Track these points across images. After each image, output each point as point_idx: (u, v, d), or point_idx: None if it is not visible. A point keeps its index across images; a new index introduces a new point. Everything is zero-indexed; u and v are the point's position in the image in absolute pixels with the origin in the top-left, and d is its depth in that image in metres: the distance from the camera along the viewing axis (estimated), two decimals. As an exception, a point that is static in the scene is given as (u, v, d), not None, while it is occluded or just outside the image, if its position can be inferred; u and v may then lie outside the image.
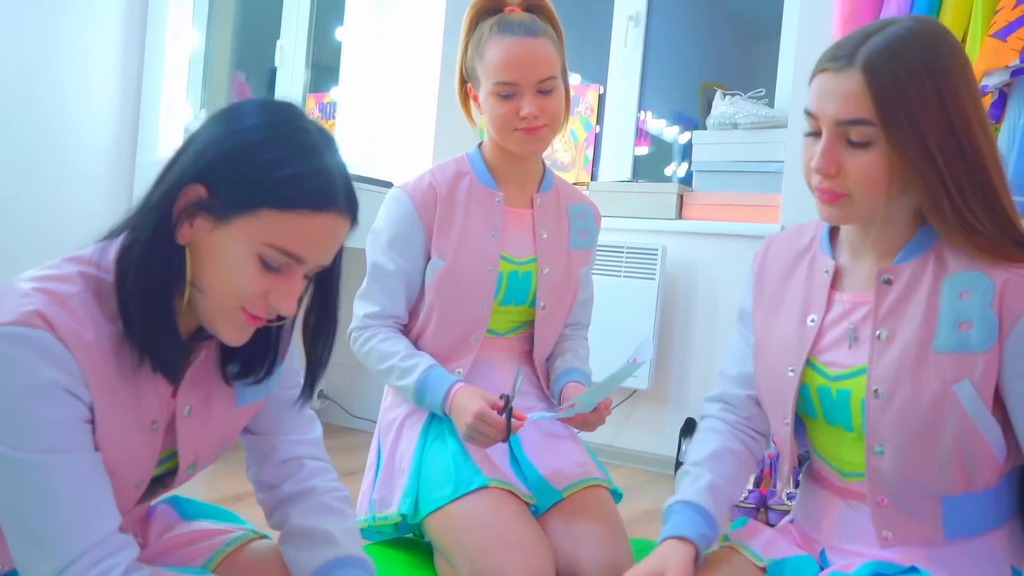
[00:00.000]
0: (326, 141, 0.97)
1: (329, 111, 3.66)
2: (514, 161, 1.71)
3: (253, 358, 1.08)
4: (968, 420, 1.08)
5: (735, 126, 3.04)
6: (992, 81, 2.18)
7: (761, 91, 3.08)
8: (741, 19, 3.92)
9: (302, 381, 1.13)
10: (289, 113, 0.97)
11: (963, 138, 1.04)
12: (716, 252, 2.99)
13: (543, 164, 1.79)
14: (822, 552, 1.23)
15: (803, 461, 1.34)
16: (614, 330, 2.81)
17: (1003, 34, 2.17)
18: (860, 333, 1.15)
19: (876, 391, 1.11)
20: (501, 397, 1.54)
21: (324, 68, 3.76)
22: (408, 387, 1.63)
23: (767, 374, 1.25)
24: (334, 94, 3.58)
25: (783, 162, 2.91)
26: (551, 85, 1.62)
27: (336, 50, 3.55)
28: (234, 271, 0.93)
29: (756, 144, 3.00)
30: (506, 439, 1.54)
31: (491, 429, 1.52)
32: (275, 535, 1.20)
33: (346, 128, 3.43)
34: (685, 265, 3.01)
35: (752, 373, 1.31)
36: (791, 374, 1.20)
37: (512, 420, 1.52)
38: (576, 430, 1.73)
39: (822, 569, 1.21)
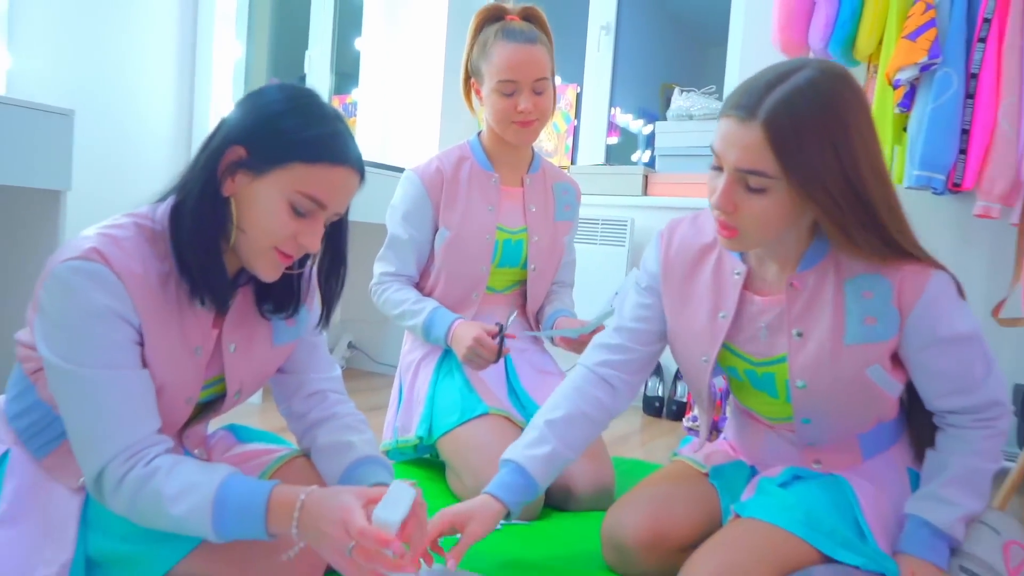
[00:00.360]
0: (337, 114, 1.00)
1: (351, 110, 3.63)
2: (508, 148, 1.72)
3: (284, 298, 1.10)
4: (879, 390, 1.09)
5: (691, 117, 3.04)
6: (904, 76, 2.18)
7: (712, 88, 3.07)
8: (694, 28, 3.90)
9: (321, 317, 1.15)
10: (306, 91, 1.00)
11: (856, 183, 0.98)
12: (675, 223, 2.99)
13: (532, 150, 1.79)
14: (753, 466, 1.26)
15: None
16: (590, 290, 2.82)
17: (914, 35, 2.16)
18: (773, 330, 1.11)
19: (799, 384, 1.10)
20: (495, 324, 1.57)
21: (345, 74, 3.73)
22: (417, 325, 1.66)
23: (682, 360, 1.22)
24: (355, 95, 3.55)
25: (731, 147, 2.91)
26: (544, 86, 1.64)
27: (355, 57, 3.52)
28: (270, 216, 0.95)
29: (708, 132, 2.99)
30: (497, 360, 1.56)
31: (486, 351, 1.54)
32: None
33: (365, 123, 3.41)
34: (650, 234, 3.02)
35: (649, 331, 1.24)
36: (704, 362, 1.17)
37: (503, 346, 1.55)
38: (563, 370, 1.75)
39: (753, 474, 1.24)
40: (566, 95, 3.45)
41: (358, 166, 0.99)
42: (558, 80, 3.59)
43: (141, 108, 2.79)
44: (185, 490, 0.88)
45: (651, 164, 3.25)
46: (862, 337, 1.06)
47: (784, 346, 1.11)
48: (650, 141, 3.79)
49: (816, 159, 0.96)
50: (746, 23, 2.86)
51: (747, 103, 0.98)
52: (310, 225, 0.97)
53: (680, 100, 3.06)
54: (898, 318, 1.06)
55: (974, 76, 2.17)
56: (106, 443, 0.89)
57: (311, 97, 0.98)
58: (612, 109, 3.49)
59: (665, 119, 3.12)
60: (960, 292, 1.09)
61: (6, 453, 1.01)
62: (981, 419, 1.10)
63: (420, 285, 1.75)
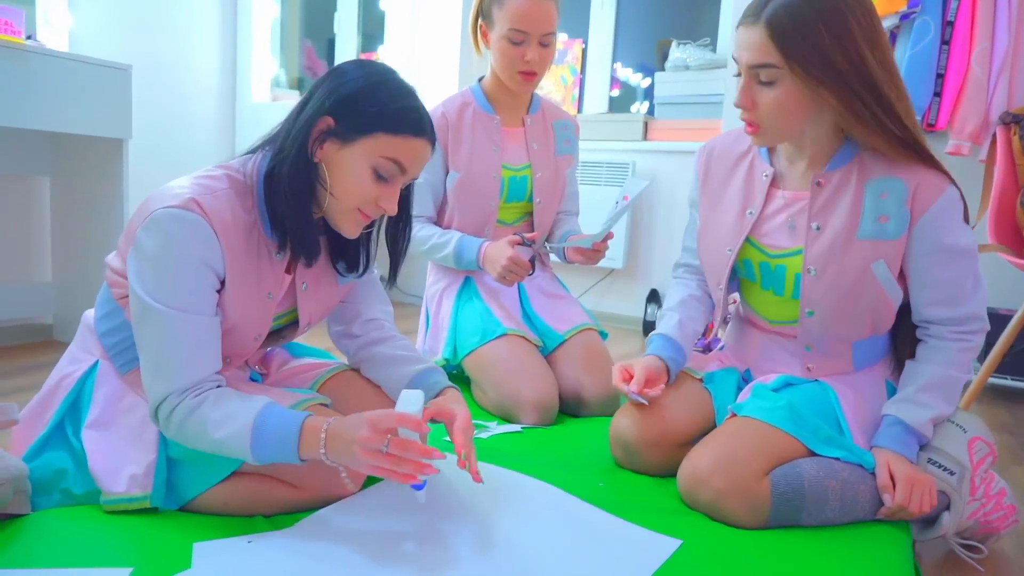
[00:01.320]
0: (412, 89, 0.98)
1: (377, 67, 3.54)
2: (509, 92, 1.67)
3: (355, 257, 1.09)
4: (880, 289, 1.09)
5: (687, 68, 2.95)
6: (886, 24, 2.09)
7: (707, 40, 2.96)
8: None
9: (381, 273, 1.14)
10: (384, 68, 0.97)
11: (860, 68, 1.00)
12: (673, 164, 2.93)
13: (532, 92, 1.74)
14: (747, 371, 1.26)
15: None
16: (595, 227, 2.80)
17: (896, -14, 2.07)
18: (797, 223, 1.13)
19: (810, 270, 1.11)
20: (518, 235, 1.56)
21: (371, 34, 3.62)
22: (448, 255, 1.64)
23: (708, 252, 1.23)
24: (380, 52, 3.46)
25: (723, 95, 2.83)
26: (551, 40, 1.58)
27: (380, 17, 3.42)
28: (356, 180, 0.94)
29: (703, 81, 2.91)
30: (532, 272, 1.54)
31: (520, 268, 1.53)
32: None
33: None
34: (650, 175, 2.97)
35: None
36: (728, 252, 1.18)
37: (536, 259, 1.52)
38: (571, 294, 1.74)
39: (745, 381, 1.24)
40: (573, 50, 3.34)
41: (432, 137, 0.97)
42: (565, 36, 3.50)
43: (191, 63, 2.73)
44: (227, 417, 0.88)
45: (650, 112, 3.17)
46: (873, 234, 1.07)
47: (802, 239, 1.12)
48: (648, 93, 3.68)
49: (816, 47, 0.99)
50: (739, -22, 2.74)
51: (754, 9, 1.04)
52: (389, 189, 0.96)
53: (677, 52, 2.96)
54: (908, 220, 1.06)
55: (950, 24, 2.08)
56: (170, 378, 0.90)
57: (390, 74, 0.97)
58: (614, 63, 3.39)
59: (663, 70, 3.03)
60: (966, 210, 1.09)
61: (95, 364, 1.02)
62: (960, 331, 1.09)
63: (437, 223, 1.72)
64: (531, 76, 1.60)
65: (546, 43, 1.58)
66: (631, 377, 1.17)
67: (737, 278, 1.24)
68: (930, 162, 1.07)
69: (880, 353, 1.17)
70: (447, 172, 1.66)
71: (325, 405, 1.06)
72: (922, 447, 1.09)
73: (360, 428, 0.85)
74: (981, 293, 1.09)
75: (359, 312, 1.17)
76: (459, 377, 1.78)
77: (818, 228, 1.11)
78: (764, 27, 1.01)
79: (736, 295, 1.28)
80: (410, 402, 0.91)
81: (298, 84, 3.54)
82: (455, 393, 1.07)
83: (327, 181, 0.95)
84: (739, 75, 1.07)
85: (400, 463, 0.85)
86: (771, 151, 1.19)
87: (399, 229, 1.07)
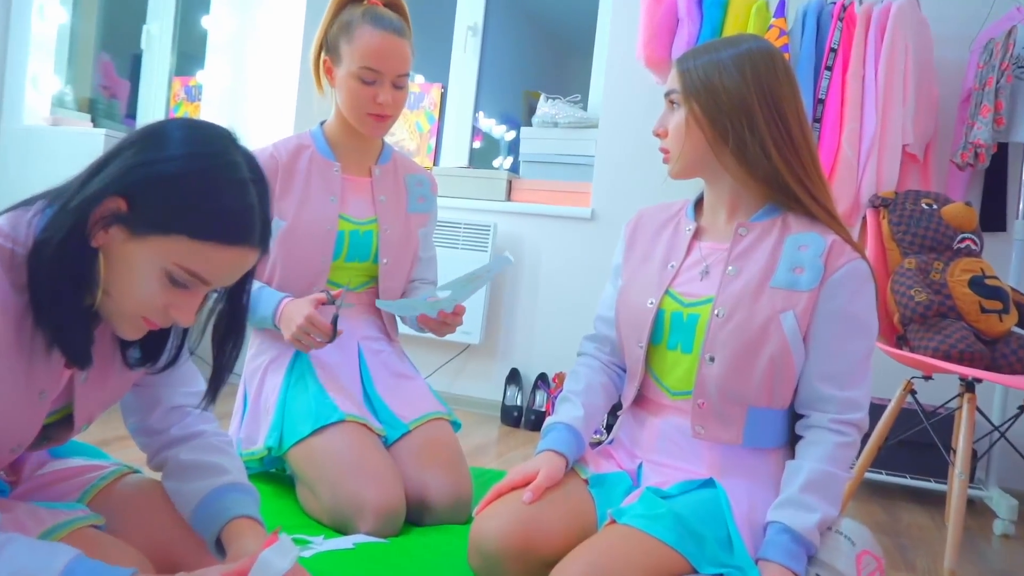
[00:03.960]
0: (253, 173, 0.87)
1: (194, 94, 3.40)
2: (356, 137, 1.67)
3: (155, 350, 0.98)
4: (785, 342, 1.17)
5: (555, 125, 3.08)
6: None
7: (577, 97, 3.13)
8: (560, 36, 3.97)
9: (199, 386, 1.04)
10: (220, 144, 0.86)
11: (742, 104, 1.18)
12: (538, 229, 3.02)
13: (382, 140, 1.74)
14: (639, 466, 1.27)
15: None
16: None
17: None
18: (712, 270, 1.24)
19: (719, 312, 1.20)
20: (323, 292, 1.53)
21: (189, 54, 3.49)
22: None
23: (629, 308, 1.30)
24: (199, 78, 3.33)
25: (594, 156, 2.98)
26: (404, 81, 1.61)
27: (201, 36, 3.30)
28: (140, 283, 0.84)
29: (572, 140, 3.05)
30: (332, 339, 1.50)
31: (317, 330, 1.48)
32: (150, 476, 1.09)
33: (210, 110, 3.20)
34: (513, 239, 3.03)
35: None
36: (650, 305, 1.26)
37: (337, 327, 1.49)
38: (422, 374, 1.69)
39: (635, 483, 1.25)
40: (430, 94, 3.40)
41: (260, 243, 0.88)
42: (421, 78, 3.57)
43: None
44: None
45: (514, 170, 3.27)
46: (787, 283, 1.18)
47: (715, 287, 1.22)
48: (512, 147, 3.82)
49: (708, 79, 1.19)
50: (612, 35, 2.94)
51: (678, 60, 1.25)
52: (186, 298, 0.86)
53: (546, 107, 3.09)
54: (821, 274, 1.18)
55: (821, 102, 2.33)
56: None
57: (221, 156, 0.85)
58: (476, 113, 3.48)
59: (530, 125, 3.15)
60: (877, 292, 1.23)
61: None
62: (841, 421, 1.17)
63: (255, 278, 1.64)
64: (383, 119, 1.61)
65: (400, 84, 1.61)
66: (524, 484, 1.17)
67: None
68: (845, 232, 1.23)
69: (773, 436, 1.23)
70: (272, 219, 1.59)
71: (97, 527, 0.93)
72: (810, 559, 1.13)
73: None
74: (867, 385, 1.19)
75: (158, 399, 1.06)
76: (280, 473, 1.67)
77: (734, 271, 1.21)
78: (677, 64, 1.24)
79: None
80: (269, 570, 0.79)
81: (89, 106, 3.31)
82: (251, 527, 0.96)
83: (101, 274, 0.84)
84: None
85: None
86: (698, 210, 1.32)
87: (231, 327, 0.95)
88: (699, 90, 1.20)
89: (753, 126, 1.17)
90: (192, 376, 1.10)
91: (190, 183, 0.83)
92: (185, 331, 1.00)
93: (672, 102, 1.24)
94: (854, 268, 1.18)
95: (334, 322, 1.49)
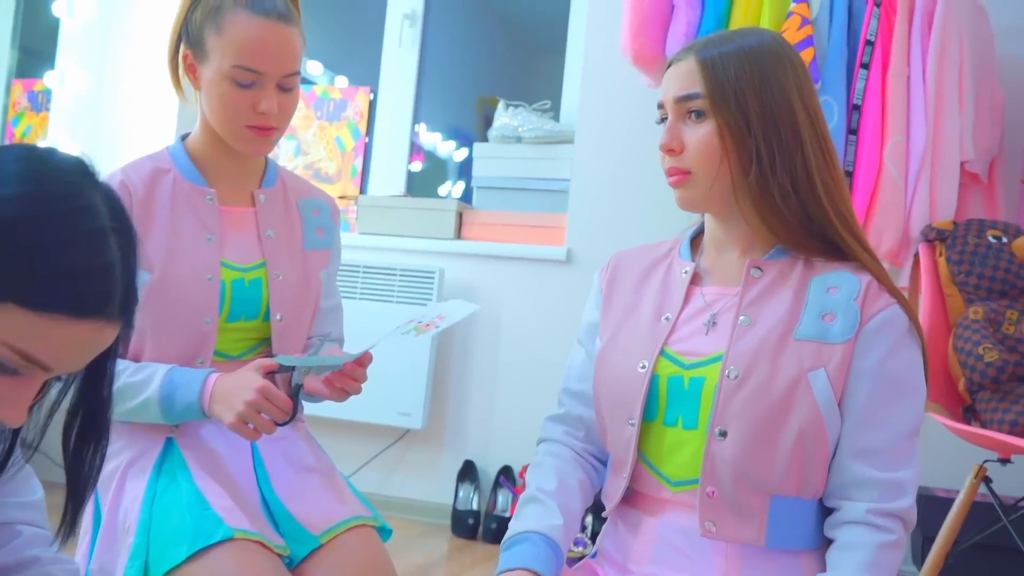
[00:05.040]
0: (116, 220, 0.85)
1: (42, 102, 3.39)
2: (230, 154, 1.66)
3: None
4: (816, 410, 1.17)
5: (518, 139, 3.11)
6: (778, 101, 2.37)
7: (547, 103, 3.17)
8: (524, 26, 4.04)
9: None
10: (69, 182, 0.84)
11: (782, 119, 1.21)
12: (498, 276, 3.02)
13: (265, 157, 1.74)
14: None
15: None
16: (384, 363, 2.76)
17: (788, 54, 2.36)
18: (720, 319, 1.25)
19: (730, 372, 1.19)
20: (274, 358, 1.51)
21: (35, 51, 3.49)
22: (149, 401, 1.53)
23: (613, 376, 1.29)
24: (47, 80, 3.32)
25: (569, 180, 3.00)
26: (294, 82, 1.62)
27: (51, 29, 3.31)
28: None
29: (541, 160, 3.08)
30: (291, 419, 1.48)
31: (275, 406, 1.45)
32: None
33: (62, 120, 3.21)
34: (464, 290, 3.03)
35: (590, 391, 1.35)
36: (641, 370, 1.26)
37: (299, 397, 1.48)
38: (333, 463, 1.66)
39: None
40: (355, 101, 3.43)
41: (120, 315, 0.85)
42: (345, 81, 3.60)
43: None
44: None
45: (466, 199, 3.28)
46: (815, 333, 1.19)
47: (725, 341, 1.22)
48: (463, 170, 3.85)
49: (740, 84, 1.21)
50: (590, 25, 2.99)
51: (682, 51, 1.27)
52: (16, 388, 0.83)
53: (505, 117, 3.13)
54: (858, 320, 1.19)
55: (856, 108, 2.39)
56: None
57: (70, 198, 0.82)
58: (416, 125, 3.51)
59: (485, 141, 3.17)
60: (924, 347, 1.24)
61: None
62: (881, 512, 1.16)
63: (120, 355, 1.61)
64: (266, 132, 1.61)
65: (288, 86, 1.61)
66: None
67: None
68: (882, 269, 1.24)
69: (807, 535, 1.22)
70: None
71: None
72: None
73: None
74: (915, 464, 1.19)
75: None
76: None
77: (748, 321, 1.22)
78: (695, 57, 1.24)
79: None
80: None
81: None
82: None
83: None
84: (663, 119, 1.28)
85: None
86: (694, 249, 1.35)
87: (90, 427, 0.94)
88: (739, 92, 1.22)
89: (801, 147, 1.21)
90: (23, 482, 1.07)
91: (25, 235, 0.80)
92: (16, 431, 0.97)
93: (690, 111, 1.24)
94: (891, 316, 1.20)
95: (295, 395, 1.47)
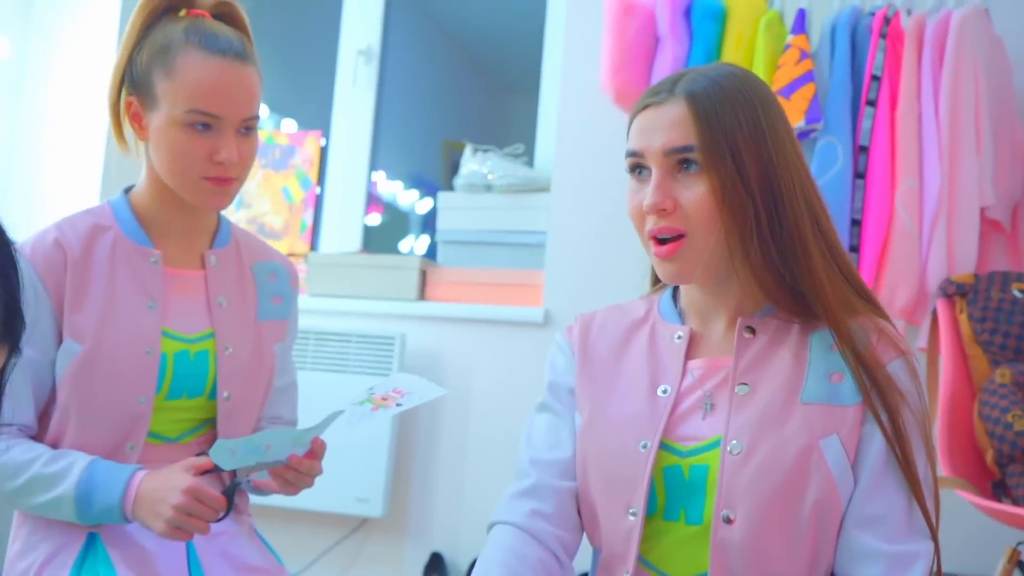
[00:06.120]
0: None
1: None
2: (180, 210, 1.66)
3: None
4: (831, 480, 1.17)
5: (488, 188, 3.13)
6: (777, 143, 2.39)
7: (520, 147, 3.19)
8: (494, 63, 4.09)
9: None
10: None
11: (778, 173, 1.21)
12: (467, 341, 3.02)
13: (217, 215, 1.74)
14: None
15: None
16: (338, 442, 2.73)
17: (787, 91, 2.39)
18: (716, 399, 1.24)
19: (732, 448, 1.19)
20: (204, 455, 1.50)
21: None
22: (63, 499, 1.51)
23: (607, 453, 1.28)
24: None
25: (546, 232, 3.01)
26: (253, 126, 1.62)
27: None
28: None
29: (514, 210, 3.10)
30: (225, 515, 1.49)
31: (208, 506, 1.45)
32: None
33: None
34: (428, 357, 3.02)
35: (569, 459, 1.33)
36: (643, 450, 1.24)
37: (234, 493, 1.49)
38: (280, 563, 1.64)
39: None
40: (304, 147, 3.44)
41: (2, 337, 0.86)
42: (293, 124, 3.61)
43: None
44: None
45: (431, 254, 3.28)
46: (823, 396, 1.20)
47: (722, 423, 1.21)
48: (427, 223, 3.85)
49: (738, 134, 1.19)
50: (566, 61, 3.03)
51: (663, 89, 1.23)
52: None
53: (473, 163, 3.14)
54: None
55: (864, 149, 2.42)
56: None
57: None
58: (373, 173, 3.53)
59: (451, 190, 3.18)
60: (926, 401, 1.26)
61: None
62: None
63: (38, 437, 1.59)
64: (225, 184, 1.61)
65: (248, 129, 1.61)
66: None
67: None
68: (885, 316, 1.26)
69: None
70: (60, 342, 1.56)
71: None
72: None
73: None
74: (928, 532, 1.18)
75: None
76: None
77: (746, 391, 1.22)
78: (685, 100, 1.21)
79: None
80: None
81: None
82: None
83: None
84: (638, 173, 1.25)
85: None
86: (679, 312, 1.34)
87: None
88: (735, 146, 1.20)
89: (800, 205, 1.22)
90: None
91: None
92: None
93: (682, 161, 1.21)
94: (898, 368, 1.21)
95: (231, 492, 1.46)
